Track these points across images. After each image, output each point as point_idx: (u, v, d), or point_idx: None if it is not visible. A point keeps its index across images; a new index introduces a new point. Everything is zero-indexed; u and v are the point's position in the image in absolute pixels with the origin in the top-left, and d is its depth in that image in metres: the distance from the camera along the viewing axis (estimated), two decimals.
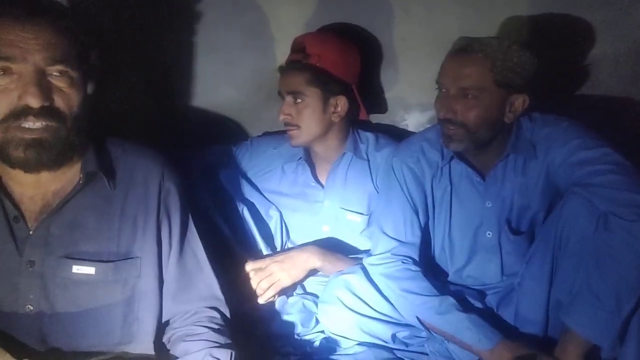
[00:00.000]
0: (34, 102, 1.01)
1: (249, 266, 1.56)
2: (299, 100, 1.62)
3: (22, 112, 1.02)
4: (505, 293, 1.51)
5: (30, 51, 1.01)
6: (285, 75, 1.65)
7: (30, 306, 1.09)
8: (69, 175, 1.14)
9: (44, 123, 1.03)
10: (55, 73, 1.04)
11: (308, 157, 1.75)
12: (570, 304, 1.31)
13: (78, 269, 1.11)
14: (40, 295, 1.09)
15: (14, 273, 1.09)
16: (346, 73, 1.66)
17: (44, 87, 1.02)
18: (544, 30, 1.74)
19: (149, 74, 1.84)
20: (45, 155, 1.05)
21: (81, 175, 1.13)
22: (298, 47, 1.65)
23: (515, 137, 1.46)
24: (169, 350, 1.20)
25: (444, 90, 1.43)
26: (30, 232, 1.10)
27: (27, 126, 1.02)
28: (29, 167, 1.06)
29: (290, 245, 1.74)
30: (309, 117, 1.63)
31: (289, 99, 1.63)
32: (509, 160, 1.48)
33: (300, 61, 1.61)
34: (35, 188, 1.11)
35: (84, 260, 1.12)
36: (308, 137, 1.66)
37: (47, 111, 1.03)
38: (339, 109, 1.65)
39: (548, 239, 1.39)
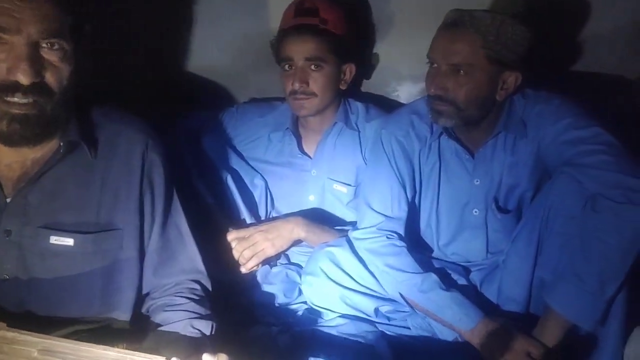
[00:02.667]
0: (25, 80, 0.96)
1: (232, 235, 1.55)
2: (316, 68, 1.56)
3: (11, 88, 0.97)
4: (490, 270, 1.51)
5: (25, 22, 0.95)
6: (299, 40, 1.56)
7: (6, 275, 1.07)
8: (50, 144, 1.10)
9: (32, 99, 0.98)
10: (48, 46, 0.99)
11: (295, 128, 1.71)
12: (553, 284, 1.31)
13: (56, 239, 1.08)
14: (17, 265, 1.07)
15: None
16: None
17: (36, 63, 0.98)
18: (541, 4, 1.70)
19: (132, 38, 1.77)
20: (29, 130, 1.01)
21: (61, 144, 1.09)
22: (309, 11, 1.58)
23: (507, 115, 1.44)
24: (147, 318, 1.19)
25: (434, 65, 1.39)
26: (8, 201, 1.07)
27: (13, 101, 0.98)
28: (11, 141, 1.03)
29: (274, 215, 1.73)
30: (326, 85, 1.59)
31: (304, 64, 1.56)
32: (499, 138, 1.46)
33: (317, 26, 1.55)
34: (13, 156, 1.08)
35: (63, 231, 1.09)
36: (321, 106, 1.62)
37: (37, 87, 0.98)
38: (347, 76, 1.63)
39: (535, 218, 1.38)
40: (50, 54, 1.00)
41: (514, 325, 1.33)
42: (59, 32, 0.99)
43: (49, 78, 1.00)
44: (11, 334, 0.94)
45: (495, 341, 1.30)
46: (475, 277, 1.53)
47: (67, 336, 1.04)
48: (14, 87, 0.97)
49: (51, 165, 1.09)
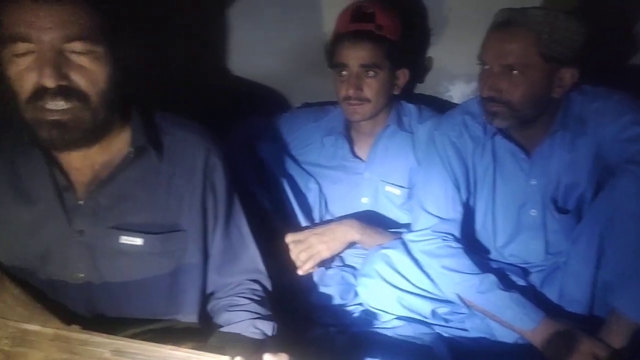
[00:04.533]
0: (49, 83, 0.98)
1: (288, 238, 1.56)
2: (372, 74, 1.57)
3: (41, 93, 0.99)
4: (550, 271, 1.48)
5: (45, 30, 0.97)
6: (355, 47, 1.56)
7: (79, 274, 1.12)
8: (117, 147, 1.15)
9: (63, 104, 1.00)
10: (74, 50, 1.00)
11: (347, 132, 1.73)
12: (617, 286, 1.27)
13: (126, 239, 1.13)
14: (89, 265, 1.12)
15: (64, 242, 1.11)
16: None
17: (60, 67, 0.99)
18: None
19: (188, 45, 1.83)
20: (69, 136, 1.03)
21: (131, 149, 1.13)
22: (365, 16, 1.58)
23: (564, 112, 1.41)
24: (212, 318, 1.22)
25: (486, 67, 1.37)
26: (80, 202, 1.12)
27: (47, 107, 1.00)
28: (55, 146, 1.07)
29: (328, 218, 1.74)
30: (380, 91, 1.59)
31: (359, 71, 1.57)
32: (556, 136, 1.43)
33: (373, 32, 1.56)
34: (83, 160, 1.12)
35: (132, 231, 1.13)
36: (374, 111, 1.63)
37: (65, 91, 1.00)
38: (400, 81, 1.64)
39: (597, 218, 1.35)
40: (78, 58, 1.00)
41: (577, 326, 1.30)
42: (83, 35, 0.99)
43: (79, 80, 1.01)
44: (84, 336, 0.98)
45: (559, 342, 1.27)
46: (534, 278, 1.50)
47: (136, 336, 1.08)
48: (43, 92, 0.99)
49: (121, 169, 1.13)
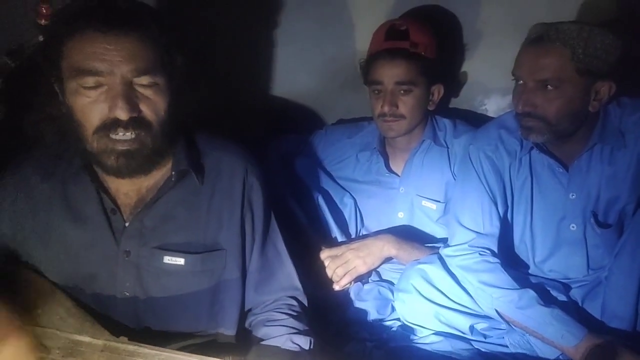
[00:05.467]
0: (123, 115, 1.04)
1: (325, 253, 1.59)
2: (407, 91, 1.59)
3: (113, 124, 1.05)
4: (592, 287, 1.45)
5: (116, 64, 1.03)
6: (390, 64, 1.58)
7: (126, 292, 1.17)
8: (162, 172, 1.19)
9: (133, 133, 1.06)
10: (141, 83, 1.06)
11: (382, 148, 1.74)
12: None
13: (169, 259, 1.17)
14: (135, 283, 1.17)
15: (112, 262, 1.16)
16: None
17: (132, 99, 1.05)
18: (636, 8, 1.63)
19: (226, 65, 1.89)
20: (135, 162, 1.09)
21: (173, 173, 1.18)
22: (400, 34, 1.60)
23: (602, 125, 1.39)
24: (251, 333, 1.25)
25: (520, 82, 1.37)
26: (126, 224, 1.17)
27: (117, 137, 1.06)
28: (120, 173, 1.11)
29: (364, 232, 1.75)
30: (415, 107, 1.61)
31: (394, 88, 1.59)
32: (594, 150, 1.41)
33: (407, 50, 1.58)
34: (130, 184, 1.17)
35: (175, 251, 1.18)
36: (410, 127, 1.64)
37: (135, 121, 1.06)
38: (435, 97, 1.65)
39: (639, 232, 1.32)
40: (144, 90, 1.07)
41: (620, 343, 1.27)
42: (149, 69, 1.06)
43: (146, 112, 1.07)
44: (132, 347, 1.04)
45: (603, 359, 1.25)
46: (576, 293, 1.47)
47: (179, 349, 1.12)
48: (116, 124, 1.05)
49: (164, 192, 1.18)
